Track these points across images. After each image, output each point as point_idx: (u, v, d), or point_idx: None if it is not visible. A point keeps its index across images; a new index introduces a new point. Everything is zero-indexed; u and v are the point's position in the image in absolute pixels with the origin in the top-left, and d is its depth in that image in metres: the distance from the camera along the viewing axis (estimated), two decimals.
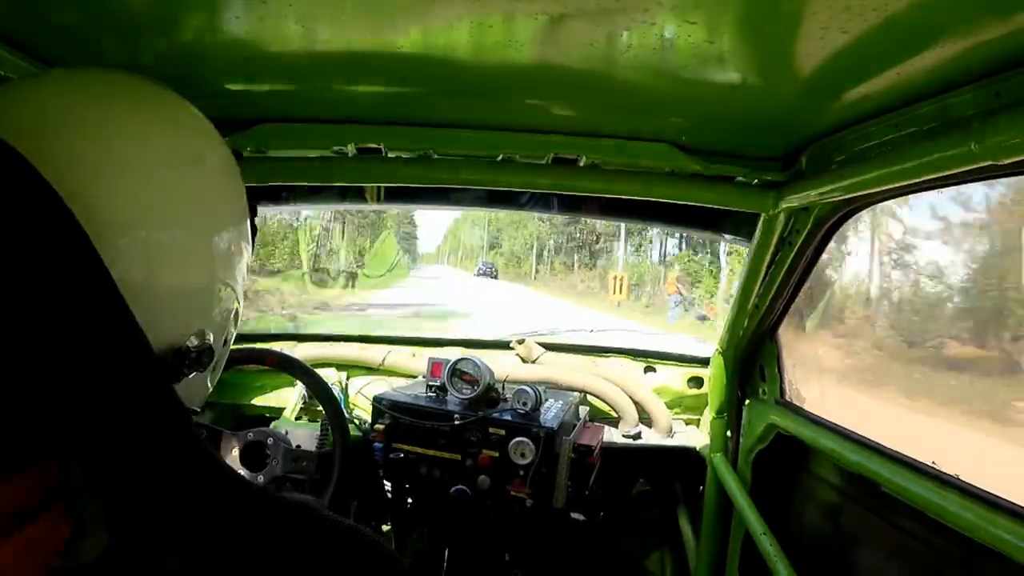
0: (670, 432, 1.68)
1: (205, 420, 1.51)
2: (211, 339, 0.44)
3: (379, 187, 1.39)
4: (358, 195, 1.40)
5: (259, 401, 1.70)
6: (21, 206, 0.27)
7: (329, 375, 1.68)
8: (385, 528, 1.79)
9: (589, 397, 1.73)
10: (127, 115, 0.40)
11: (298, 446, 1.40)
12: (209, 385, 0.50)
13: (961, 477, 0.84)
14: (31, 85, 0.40)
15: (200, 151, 0.45)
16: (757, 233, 1.20)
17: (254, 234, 0.56)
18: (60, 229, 0.29)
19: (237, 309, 0.50)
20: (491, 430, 1.40)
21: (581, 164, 1.10)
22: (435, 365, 1.53)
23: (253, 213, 0.55)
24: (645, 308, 19.44)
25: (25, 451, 0.28)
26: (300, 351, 1.72)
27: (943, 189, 0.83)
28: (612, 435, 1.65)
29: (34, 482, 0.29)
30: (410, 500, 1.62)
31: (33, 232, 0.28)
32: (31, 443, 0.28)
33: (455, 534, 1.59)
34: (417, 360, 1.76)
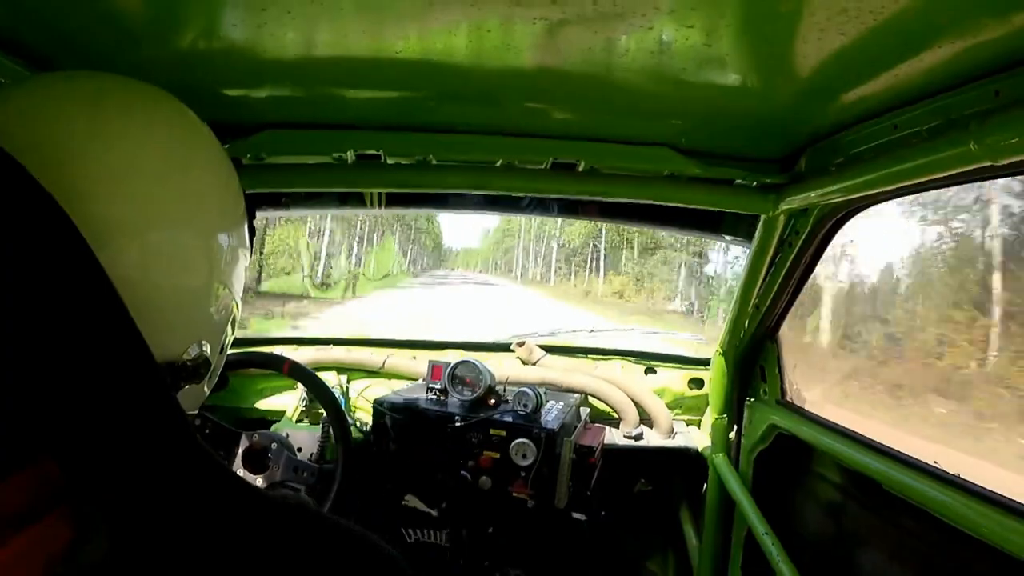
0: (671, 433, 1.68)
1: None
2: (207, 350, 0.44)
3: (379, 192, 1.39)
4: (358, 200, 1.40)
5: (260, 404, 1.70)
6: (18, 211, 0.27)
7: (329, 378, 1.67)
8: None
9: (590, 398, 1.73)
10: (122, 118, 0.40)
11: (299, 448, 1.41)
12: (206, 390, 0.50)
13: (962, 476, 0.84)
14: (24, 90, 0.39)
15: (196, 154, 0.44)
16: (757, 235, 1.20)
17: (251, 237, 0.55)
18: (57, 233, 0.29)
19: (235, 315, 0.49)
20: (492, 431, 1.40)
21: (580, 168, 1.10)
22: (435, 368, 1.53)
23: (252, 216, 0.55)
24: None
25: (24, 453, 0.28)
26: (300, 355, 1.72)
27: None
28: (613, 436, 1.64)
29: (35, 484, 0.29)
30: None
31: (31, 236, 0.27)
32: (30, 445, 0.28)
33: (455, 535, 1.59)
34: (417, 363, 1.76)
